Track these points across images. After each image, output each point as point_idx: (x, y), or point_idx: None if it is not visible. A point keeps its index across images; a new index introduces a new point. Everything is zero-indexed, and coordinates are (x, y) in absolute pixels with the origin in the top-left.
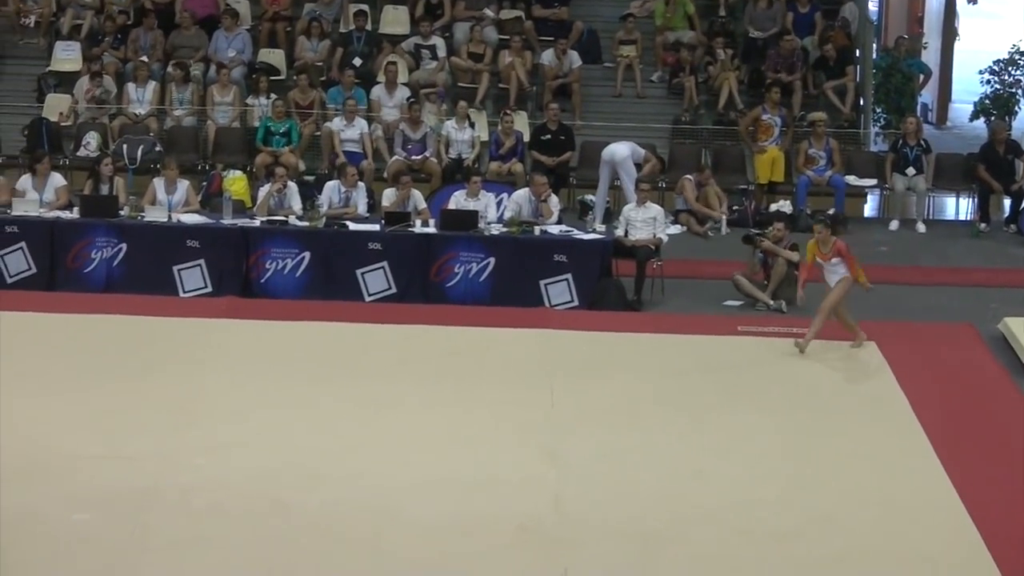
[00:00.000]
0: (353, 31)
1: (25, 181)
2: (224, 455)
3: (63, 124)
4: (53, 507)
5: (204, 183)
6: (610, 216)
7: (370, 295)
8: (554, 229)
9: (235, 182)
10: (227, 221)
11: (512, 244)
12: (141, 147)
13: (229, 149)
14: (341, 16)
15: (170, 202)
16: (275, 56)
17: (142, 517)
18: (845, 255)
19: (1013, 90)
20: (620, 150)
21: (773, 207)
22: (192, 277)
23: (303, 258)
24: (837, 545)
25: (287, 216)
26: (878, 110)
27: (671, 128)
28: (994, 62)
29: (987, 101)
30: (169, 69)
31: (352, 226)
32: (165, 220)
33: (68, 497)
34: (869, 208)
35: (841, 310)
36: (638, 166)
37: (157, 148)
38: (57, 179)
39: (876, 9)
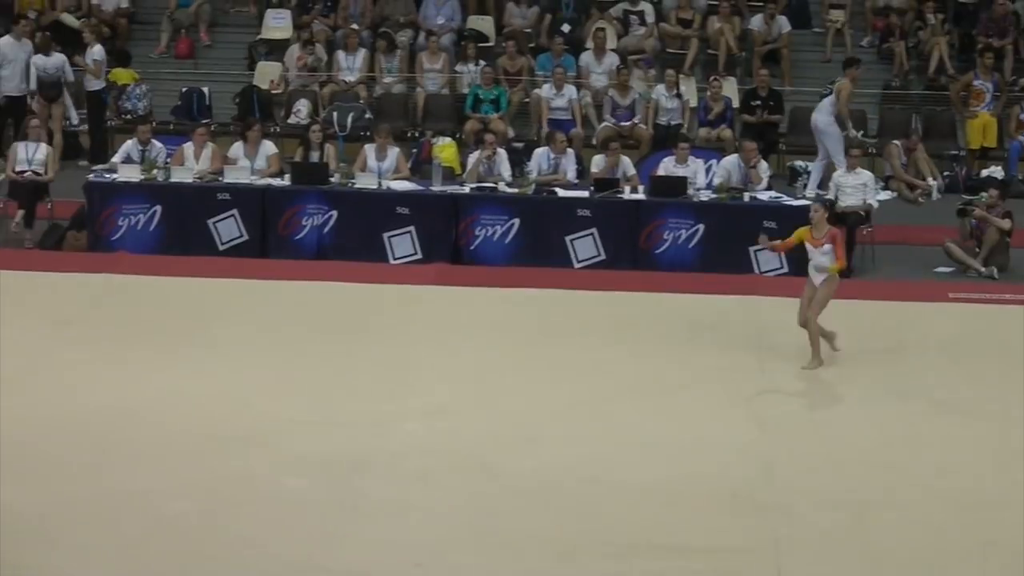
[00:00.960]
0: None
1: (237, 149)
2: (435, 421)
3: (274, 92)
4: (268, 472)
5: (414, 150)
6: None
7: (579, 262)
8: (763, 195)
9: (444, 149)
10: (436, 188)
11: (721, 210)
12: (351, 114)
13: (438, 116)
14: None
15: (380, 169)
16: (484, 23)
17: (354, 482)
18: (838, 243)
19: None
20: (819, 118)
21: (984, 173)
22: (402, 244)
23: (512, 225)
24: None
25: (496, 183)
26: None
27: (881, 93)
28: None
29: None
30: (378, 36)
31: (561, 193)
32: (375, 187)
33: (282, 463)
34: None
35: (816, 321)
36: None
37: (367, 115)
38: (268, 146)
39: None
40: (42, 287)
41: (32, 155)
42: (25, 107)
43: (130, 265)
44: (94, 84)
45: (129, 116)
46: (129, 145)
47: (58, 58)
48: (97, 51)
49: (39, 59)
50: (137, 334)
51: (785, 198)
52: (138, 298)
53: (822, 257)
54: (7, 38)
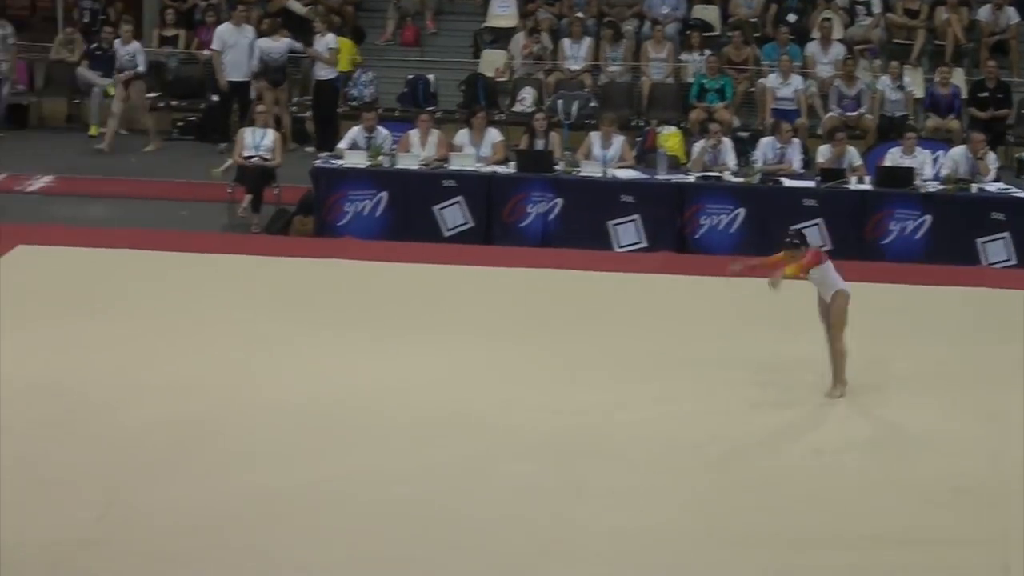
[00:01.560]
0: None
1: (462, 136)
2: (662, 409)
3: (499, 79)
4: (493, 457)
5: (639, 139)
6: None
7: None
8: (991, 187)
9: (669, 138)
10: (661, 176)
11: (949, 202)
12: (576, 102)
13: (663, 105)
14: None
15: (605, 157)
16: (709, 12)
17: (579, 468)
18: (813, 262)
19: None
20: None
21: None
22: (627, 232)
23: (737, 214)
24: None
25: (721, 172)
26: None
27: None
28: None
29: None
30: (603, 25)
31: (786, 182)
32: (600, 175)
33: (508, 447)
34: None
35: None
36: None
37: (592, 103)
38: (494, 134)
39: None
40: (269, 272)
41: (259, 141)
42: (248, 92)
43: (356, 250)
44: (325, 72)
45: (355, 103)
46: (355, 132)
47: (284, 43)
48: (330, 39)
49: (264, 43)
50: (362, 319)
51: (1013, 190)
52: (364, 283)
53: (822, 281)
54: (227, 24)
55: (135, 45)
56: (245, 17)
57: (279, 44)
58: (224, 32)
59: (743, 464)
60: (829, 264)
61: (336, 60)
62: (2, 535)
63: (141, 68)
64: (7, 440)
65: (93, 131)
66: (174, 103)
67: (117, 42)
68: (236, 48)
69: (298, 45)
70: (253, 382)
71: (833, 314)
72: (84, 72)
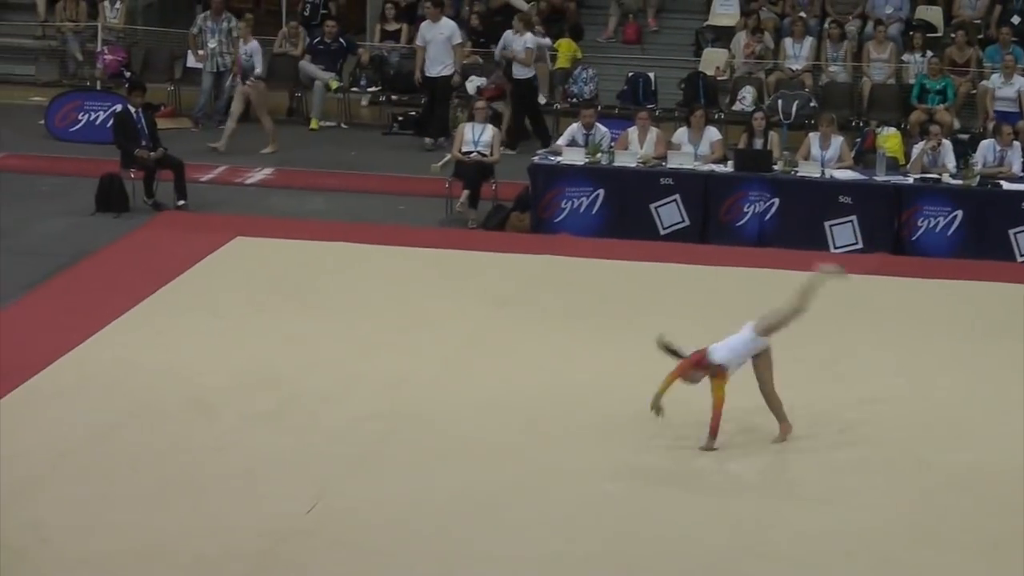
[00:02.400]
0: None
1: (681, 134)
2: (870, 410)
3: (719, 78)
4: (704, 455)
5: (858, 139)
6: None
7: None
8: None
9: (889, 139)
10: (880, 178)
11: None
12: (796, 102)
13: (884, 106)
14: None
15: (823, 157)
16: (932, 13)
17: (790, 470)
18: (685, 371)
19: None
20: None
21: None
22: (843, 233)
23: (955, 216)
24: None
25: (940, 174)
26: None
27: None
28: None
29: None
30: (826, 25)
31: (1006, 185)
32: (818, 175)
33: (720, 446)
34: None
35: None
36: None
37: (812, 104)
38: (712, 132)
39: None
40: (485, 267)
41: (478, 136)
42: (448, 87)
43: (572, 247)
44: (522, 72)
45: (575, 100)
46: (574, 128)
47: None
48: (529, 39)
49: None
50: (577, 315)
51: None
52: (579, 280)
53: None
54: (426, 21)
55: (253, 45)
56: (439, 12)
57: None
58: (423, 29)
59: (947, 465)
60: (716, 349)
61: (531, 59)
62: (214, 523)
63: (259, 70)
64: (219, 430)
65: (314, 124)
66: (394, 97)
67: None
68: (433, 44)
69: (546, 41)
70: (466, 376)
71: (761, 369)
72: (307, 66)
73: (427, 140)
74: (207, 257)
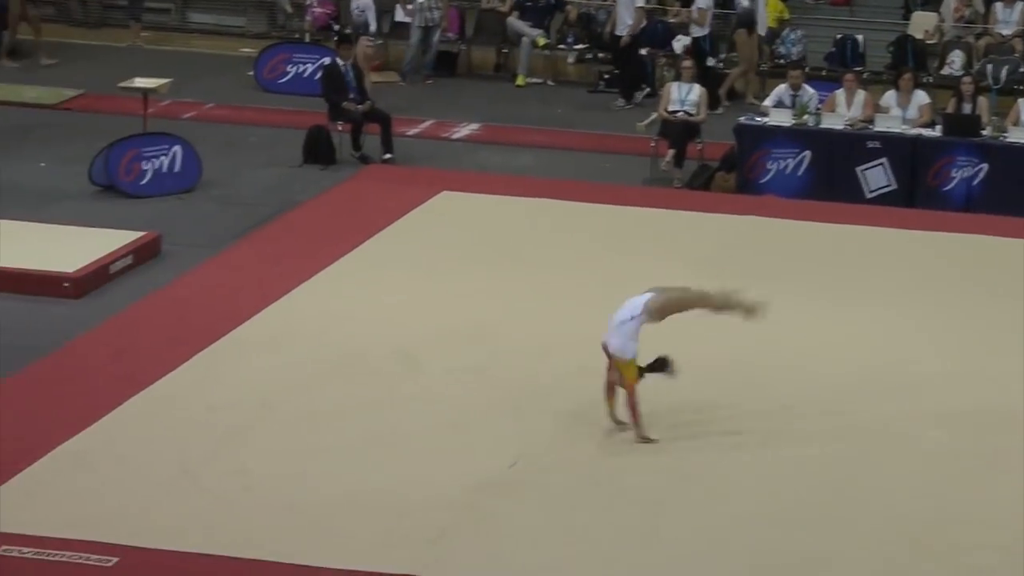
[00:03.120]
0: None
1: (889, 97)
2: None
3: (928, 42)
4: (911, 422)
5: None
6: None
7: None
8: None
9: None
10: None
11: None
12: (1006, 67)
13: None
14: None
15: None
16: None
17: (993, 439)
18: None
19: None
20: None
21: None
22: None
23: None
24: None
25: None
26: None
27: None
28: None
29: None
30: None
31: None
32: None
33: (922, 414)
34: None
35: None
36: None
37: (1021, 69)
38: (921, 96)
39: None
40: (689, 226)
41: (685, 96)
42: (627, 48)
43: (777, 208)
44: (696, 31)
45: (782, 60)
46: (781, 90)
47: None
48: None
49: None
50: (782, 277)
51: None
52: (784, 241)
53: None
54: None
55: (366, 0)
56: None
57: None
58: None
59: None
60: (609, 339)
61: (706, 19)
62: (417, 474)
63: (373, 27)
64: (424, 382)
65: (520, 81)
66: (600, 55)
67: None
68: (621, 2)
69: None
70: (672, 336)
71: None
72: (515, 22)
73: (618, 102)
74: (413, 210)
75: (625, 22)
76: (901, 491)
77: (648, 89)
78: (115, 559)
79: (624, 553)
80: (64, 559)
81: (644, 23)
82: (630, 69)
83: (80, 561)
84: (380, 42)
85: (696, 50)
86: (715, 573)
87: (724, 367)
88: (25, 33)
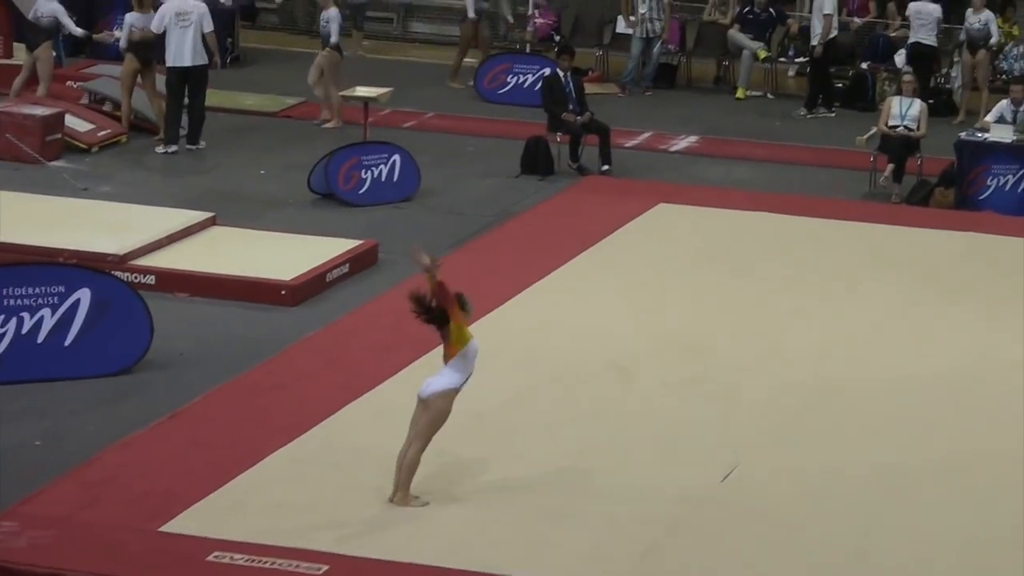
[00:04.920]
0: None
1: None
2: None
3: None
4: None
5: None
6: None
7: None
8: None
9: None
10: None
11: None
12: None
13: None
14: None
15: None
16: None
17: None
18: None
19: None
20: None
21: None
22: None
23: None
24: None
25: None
26: None
27: None
28: None
29: None
30: None
31: None
32: None
33: None
34: None
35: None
36: None
37: None
38: None
39: None
40: (908, 242)
41: (906, 110)
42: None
43: (996, 225)
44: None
45: (1005, 76)
46: (1003, 105)
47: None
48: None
49: None
50: (999, 293)
51: None
52: (1002, 258)
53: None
54: None
55: (331, 12)
56: None
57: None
58: None
59: None
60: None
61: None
62: (629, 486)
63: (334, 39)
64: (639, 395)
65: (740, 93)
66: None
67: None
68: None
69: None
70: (887, 351)
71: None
72: (736, 35)
73: (800, 111)
74: (630, 222)
75: (816, 31)
76: None
77: (838, 104)
78: (325, 567)
79: (835, 569)
80: (275, 567)
81: (835, 32)
82: (821, 79)
83: (291, 569)
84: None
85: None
86: None
87: (930, 379)
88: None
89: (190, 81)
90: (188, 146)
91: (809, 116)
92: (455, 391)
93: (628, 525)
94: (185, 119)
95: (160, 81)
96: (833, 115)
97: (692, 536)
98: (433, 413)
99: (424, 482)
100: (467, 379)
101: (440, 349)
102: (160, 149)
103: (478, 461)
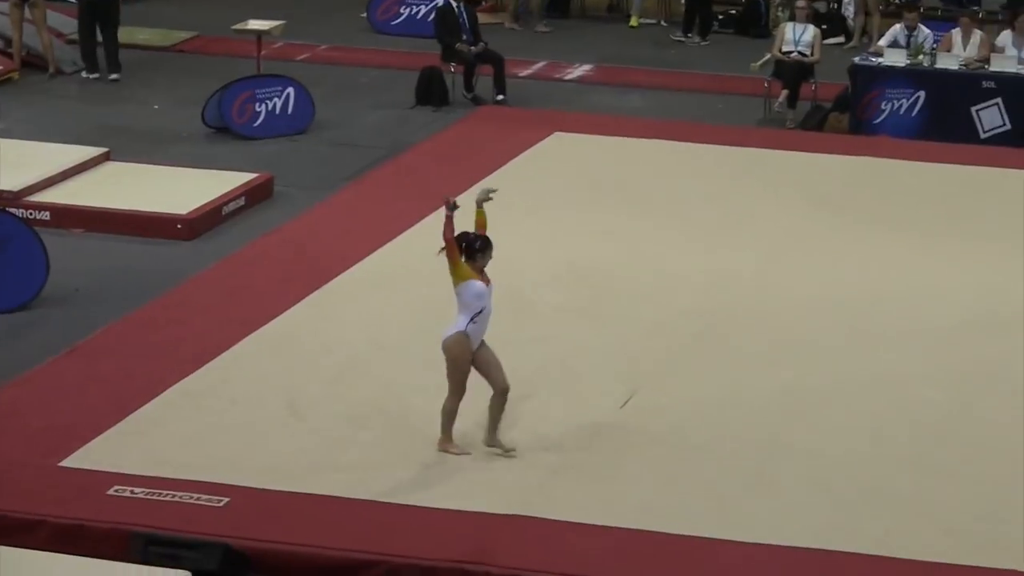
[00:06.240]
0: None
1: (1005, 38)
2: None
3: None
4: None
5: None
6: None
7: None
8: None
9: None
10: None
11: None
12: None
13: None
14: None
15: None
16: None
17: None
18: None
19: None
20: None
21: None
22: None
23: None
24: None
25: None
26: None
27: None
28: None
29: None
30: None
31: None
32: None
33: None
34: None
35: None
36: None
37: None
38: None
39: None
40: (803, 167)
41: (799, 36)
42: None
43: (890, 149)
44: None
45: (897, 1)
46: (896, 30)
47: None
48: None
49: None
50: (894, 218)
51: None
52: (897, 182)
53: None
54: None
55: None
56: None
57: None
58: None
59: None
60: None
61: None
62: (528, 414)
63: None
64: (536, 323)
65: (634, 21)
66: None
67: None
68: None
69: None
70: (782, 276)
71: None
72: None
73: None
74: (526, 151)
75: None
76: (1013, 431)
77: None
78: (226, 499)
79: (735, 491)
80: (175, 499)
81: None
82: (699, 9)
83: (191, 501)
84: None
85: None
86: (822, 515)
87: (826, 303)
88: None
89: (98, 12)
90: (111, 76)
91: (683, 40)
92: (463, 334)
93: (526, 452)
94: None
95: (52, 17)
96: (707, 43)
97: (591, 463)
98: (448, 360)
99: (322, 414)
100: (472, 320)
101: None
102: (84, 75)
103: (378, 391)
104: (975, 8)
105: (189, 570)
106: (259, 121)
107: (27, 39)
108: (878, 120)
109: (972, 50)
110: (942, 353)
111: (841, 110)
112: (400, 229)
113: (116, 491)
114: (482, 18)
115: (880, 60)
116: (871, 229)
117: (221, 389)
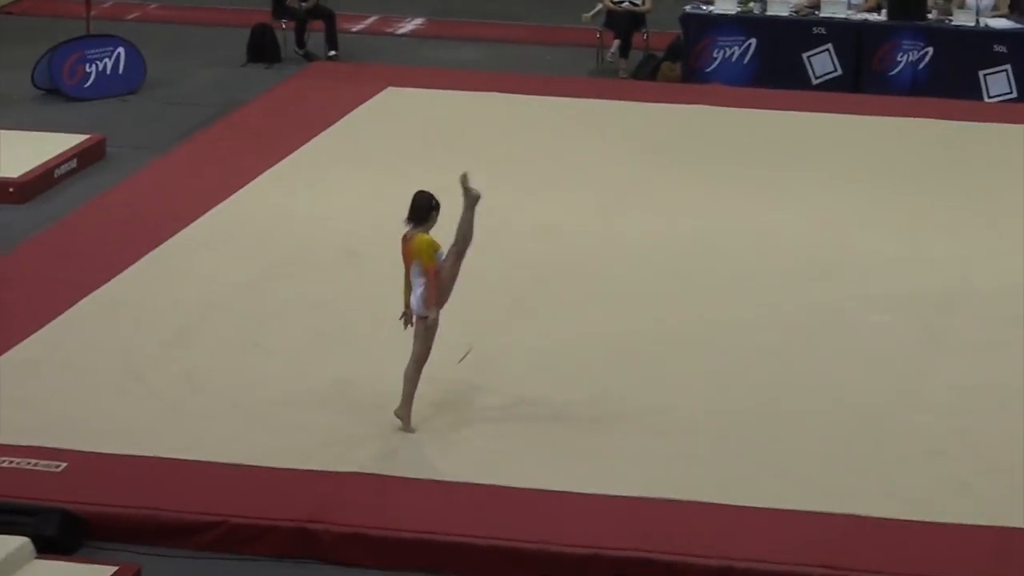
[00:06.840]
0: None
1: None
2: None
3: None
4: (854, 306)
5: None
6: None
7: None
8: None
9: None
10: None
11: None
12: None
13: None
14: None
15: (979, 6)
16: None
17: (940, 321)
18: (426, 271)
19: None
20: None
21: None
22: (997, 82)
23: None
24: None
25: None
26: None
27: None
28: None
29: None
30: None
31: None
32: (972, 25)
33: (867, 297)
34: None
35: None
36: None
37: None
38: None
39: None
40: (636, 116)
41: None
42: None
43: (723, 97)
44: None
45: None
46: None
47: None
48: None
49: None
50: (728, 165)
51: None
52: (731, 130)
53: (414, 288)
54: None
55: None
56: None
57: None
58: None
59: None
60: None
61: None
62: (367, 372)
63: None
64: (371, 280)
65: None
66: None
67: None
68: None
69: None
70: (618, 225)
71: (418, 344)
72: None
73: None
74: (358, 107)
75: None
76: (846, 374)
77: None
78: (63, 464)
79: (571, 440)
80: (12, 465)
81: None
82: None
83: (28, 467)
84: None
85: None
86: (675, 470)
87: (661, 252)
88: None
89: None
90: None
91: None
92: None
93: (366, 410)
94: None
95: None
96: None
97: (429, 420)
98: (428, 326)
99: (159, 377)
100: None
101: None
102: None
103: (214, 351)
104: None
105: (27, 536)
106: (90, 82)
107: None
108: (710, 68)
109: None
110: (776, 297)
111: (673, 59)
112: (234, 187)
113: None
114: None
115: (711, 8)
116: (704, 177)
117: (56, 353)
